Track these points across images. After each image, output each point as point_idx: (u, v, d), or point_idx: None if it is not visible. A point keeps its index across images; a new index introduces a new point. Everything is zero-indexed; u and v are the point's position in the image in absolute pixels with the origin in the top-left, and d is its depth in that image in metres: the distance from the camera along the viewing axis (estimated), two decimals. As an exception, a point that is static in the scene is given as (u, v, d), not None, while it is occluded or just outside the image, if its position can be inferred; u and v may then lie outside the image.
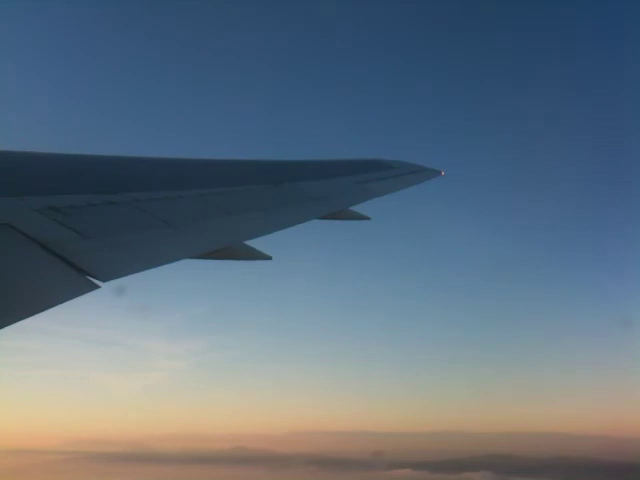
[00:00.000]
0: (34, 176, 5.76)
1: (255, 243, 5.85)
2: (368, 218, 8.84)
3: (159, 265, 4.41)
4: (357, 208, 8.73)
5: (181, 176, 7.68)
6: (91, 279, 3.68)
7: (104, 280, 3.75)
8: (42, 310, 3.21)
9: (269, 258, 5.99)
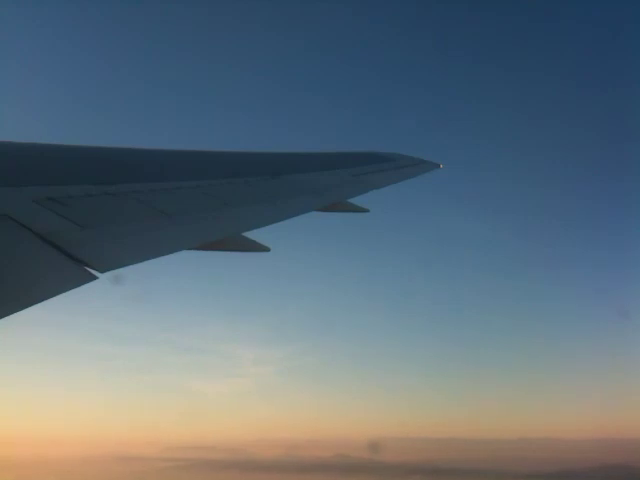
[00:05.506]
0: (32, 167, 5.76)
1: (253, 235, 5.85)
2: (367, 210, 8.84)
3: (157, 256, 4.42)
4: (355, 200, 8.73)
5: (179, 167, 7.68)
6: (89, 270, 3.69)
7: (102, 271, 3.76)
8: (40, 301, 3.22)
9: (267, 250, 6.00)
